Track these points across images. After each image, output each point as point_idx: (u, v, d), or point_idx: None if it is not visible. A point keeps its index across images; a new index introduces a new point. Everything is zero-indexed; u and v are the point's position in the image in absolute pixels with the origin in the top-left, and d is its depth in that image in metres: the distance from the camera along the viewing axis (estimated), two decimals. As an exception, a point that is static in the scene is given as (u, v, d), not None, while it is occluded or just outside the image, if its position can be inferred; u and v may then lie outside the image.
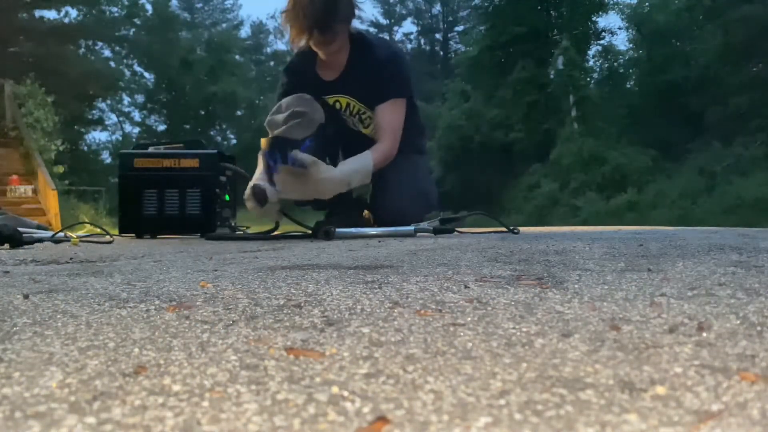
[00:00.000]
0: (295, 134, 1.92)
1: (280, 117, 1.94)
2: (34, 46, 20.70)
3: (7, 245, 1.68)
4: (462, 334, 0.44)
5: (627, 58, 19.83)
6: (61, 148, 11.95)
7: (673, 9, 17.72)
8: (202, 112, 27.38)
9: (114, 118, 28.12)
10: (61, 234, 2.24)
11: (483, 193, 17.41)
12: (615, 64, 19.67)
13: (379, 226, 2.22)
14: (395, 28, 32.86)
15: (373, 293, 0.64)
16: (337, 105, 2.26)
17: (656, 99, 17.02)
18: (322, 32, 2.02)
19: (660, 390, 0.31)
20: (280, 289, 0.68)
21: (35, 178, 9.91)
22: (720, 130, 14.27)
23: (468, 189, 18.00)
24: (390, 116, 2.17)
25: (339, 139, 2.36)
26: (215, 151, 2.62)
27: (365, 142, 2.27)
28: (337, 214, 2.29)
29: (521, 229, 2.43)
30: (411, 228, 1.98)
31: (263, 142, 1.96)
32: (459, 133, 19.59)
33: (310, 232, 1.99)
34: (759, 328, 0.44)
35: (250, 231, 2.61)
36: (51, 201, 9.09)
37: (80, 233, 2.62)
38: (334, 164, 2.19)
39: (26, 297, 0.64)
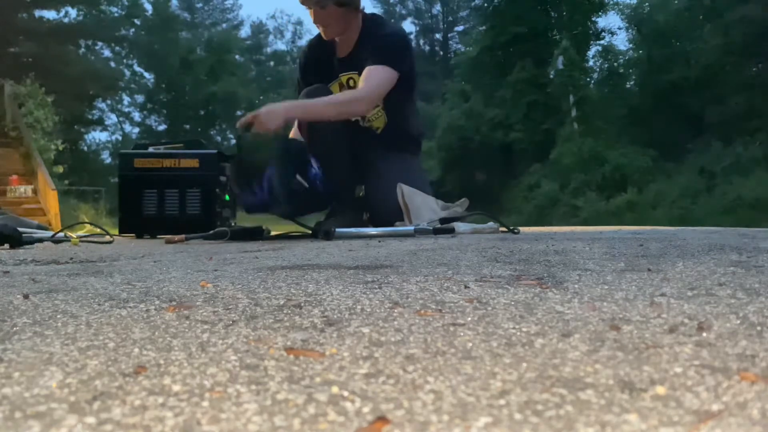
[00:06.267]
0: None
1: None
2: (34, 46, 20.71)
3: (7, 245, 1.68)
4: (462, 334, 0.44)
5: (627, 58, 19.81)
6: (61, 148, 11.98)
7: (673, 9, 17.71)
8: (202, 112, 27.38)
9: (114, 118, 28.15)
10: (61, 234, 2.24)
11: (483, 193, 17.41)
12: (615, 64, 19.65)
13: (373, 225, 2.23)
14: (395, 28, 32.81)
15: (373, 293, 0.64)
16: (351, 83, 2.32)
17: (656, 99, 17.00)
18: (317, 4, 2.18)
19: (660, 390, 0.31)
20: (280, 289, 0.68)
21: (35, 178, 9.92)
22: (720, 130, 14.26)
23: (468, 189, 18.00)
24: (375, 74, 2.14)
25: (348, 140, 2.35)
26: (215, 151, 2.62)
27: (372, 139, 2.30)
28: (337, 214, 2.30)
29: (521, 229, 2.43)
30: (411, 228, 1.98)
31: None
32: (459, 133, 19.58)
33: (310, 232, 1.99)
34: (759, 328, 0.44)
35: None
36: (51, 201, 9.10)
37: (80, 233, 2.62)
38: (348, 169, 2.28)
39: (26, 297, 0.64)
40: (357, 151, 2.29)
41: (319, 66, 2.34)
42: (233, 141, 27.84)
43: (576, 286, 0.67)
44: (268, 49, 32.37)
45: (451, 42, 31.59)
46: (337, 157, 2.25)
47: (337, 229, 1.88)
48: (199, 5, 31.22)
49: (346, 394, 0.31)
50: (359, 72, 2.24)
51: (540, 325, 0.47)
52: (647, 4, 18.80)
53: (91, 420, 0.27)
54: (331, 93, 2.29)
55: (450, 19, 31.80)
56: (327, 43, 2.34)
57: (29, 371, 0.35)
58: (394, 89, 2.20)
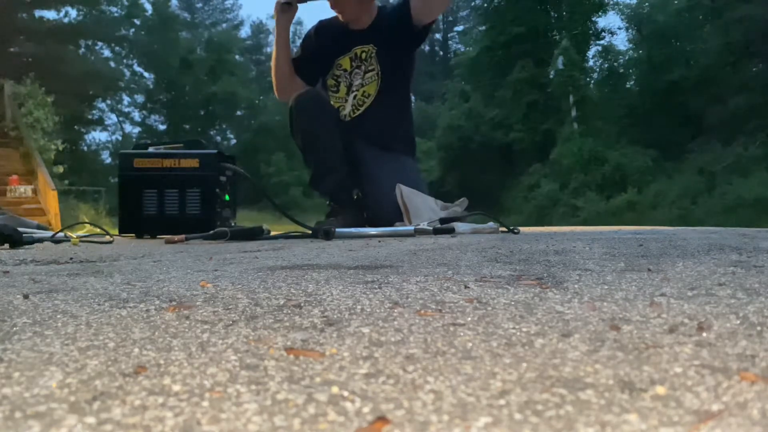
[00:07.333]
0: None
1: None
2: (34, 46, 20.74)
3: (7, 245, 1.68)
4: (462, 334, 0.44)
5: (627, 58, 19.82)
6: (61, 148, 11.97)
7: (673, 9, 17.72)
8: (202, 112, 27.38)
9: (114, 118, 28.17)
10: (61, 234, 2.23)
11: (483, 193, 17.41)
12: (615, 64, 19.66)
13: (369, 224, 2.25)
14: (395, 28, 32.79)
15: (373, 293, 0.64)
16: (363, 55, 2.45)
17: (656, 99, 17.01)
18: None
19: (660, 390, 0.31)
20: (280, 289, 0.68)
21: (35, 178, 9.92)
22: (720, 130, 14.27)
23: (468, 189, 17.98)
24: None
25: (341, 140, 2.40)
26: (215, 151, 2.61)
27: (362, 137, 2.36)
28: (337, 214, 2.30)
29: (521, 229, 2.43)
30: (411, 228, 1.98)
31: None
32: (459, 133, 19.59)
33: (310, 232, 1.99)
34: (759, 328, 0.44)
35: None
36: (51, 201, 9.10)
37: (80, 233, 2.62)
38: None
39: (26, 297, 0.64)
40: (348, 149, 2.33)
41: (329, 42, 2.46)
42: (233, 141, 27.93)
43: (576, 286, 0.67)
44: (268, 49, 32.21)
45: (451, 42, 31.63)
46: (334, 157, 2.27)
47: (337, 229, 1.88)
48: (199, 5, 31.25)
49: (346, 394, 0.31)
50: (375, 44, 2.40)
51: (540, 325, 0.47)
52: (647, 4, 18.80)
53: (91, 420, 0.27)
54: (322, 97, 2.42)
55: (450, 19, 31.81)
56: (336, 21, 2.47)
57: (29, 371, 0.35)
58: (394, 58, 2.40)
